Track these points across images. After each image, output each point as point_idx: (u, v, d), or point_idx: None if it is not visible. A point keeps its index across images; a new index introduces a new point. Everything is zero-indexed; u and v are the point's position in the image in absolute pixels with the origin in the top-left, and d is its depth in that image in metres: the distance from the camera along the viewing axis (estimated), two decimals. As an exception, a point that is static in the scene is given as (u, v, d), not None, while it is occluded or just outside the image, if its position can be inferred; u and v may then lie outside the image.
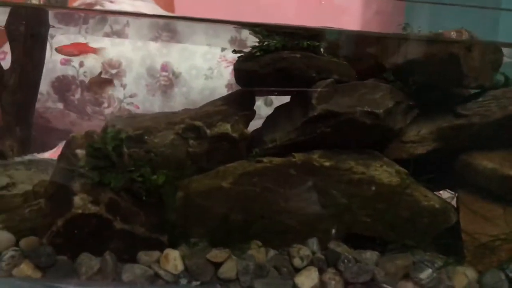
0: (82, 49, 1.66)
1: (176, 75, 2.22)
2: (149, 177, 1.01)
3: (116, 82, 2.20)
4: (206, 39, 1.91)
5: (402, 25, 1.17)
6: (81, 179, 0.96)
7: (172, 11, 2.72)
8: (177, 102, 2.24)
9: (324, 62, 1.08)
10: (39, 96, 2.24)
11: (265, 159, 1.04)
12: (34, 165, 1.23)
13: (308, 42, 1.09)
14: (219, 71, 2.27)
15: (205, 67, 2.26)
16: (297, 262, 0.97)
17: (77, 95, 2.22)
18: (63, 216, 0.90)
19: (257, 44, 1.15)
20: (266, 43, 1.11)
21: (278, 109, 1.16)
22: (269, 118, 1.18)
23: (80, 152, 1.03)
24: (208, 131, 1.10)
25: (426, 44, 1.06)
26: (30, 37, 1.17)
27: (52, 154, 1.68)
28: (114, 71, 2.16)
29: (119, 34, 1.70)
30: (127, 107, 2.21)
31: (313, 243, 1.00)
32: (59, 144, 2.00)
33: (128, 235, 0.93)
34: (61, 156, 1.08)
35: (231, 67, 2.28)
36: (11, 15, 1.22)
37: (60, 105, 2.18)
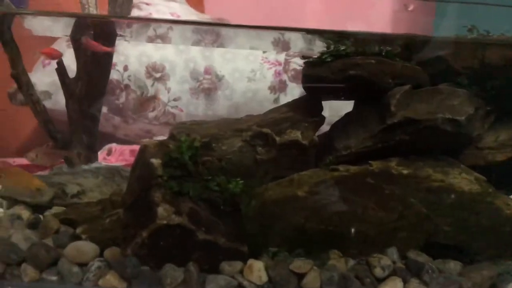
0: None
1: (219, 78, 2.22)
2: (226, 186, 1.01)
3: (160, 85, 2.22)
4: (248, 41, 1.90)
5: (468, 27, 1.15)
6: (160, 189, 0.96)
7: (202, 10, 2.72)
8: (221, 105, 2.24)
9: (398, 68, 1.06)
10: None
11: (341, 167, 1.02)
12: (101, 173, 1.24)
13: (380, 47, 1.07)
14: (262, 73, 2.26)
15: (248, 70, 2.26)
16: (378, 272, 0.95)
17: (122, 99, 2.25)
18: (148, 227, 0.90)
19: (325, 49, 1.14)
20: (335, 48, 1.11)
21: (349, 115, 1.14)
22: (338, 124, 1.17)
23: (155, 161, 1.03)
24: (277, 139, 1.10)
25: (506, 47, 1.03)
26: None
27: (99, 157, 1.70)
28: (158, 75, 2.17)
29: (163, 38, 1.71)
30: (171, 110, 2.23)
31: (393, 252, 0.98)
32: (104, 147, 2.03)
33: (210, 245, 0.93)
34: (135, 164, 1.09)
35: (274, 69, 2.27)
36: (76, 25, 1.23)
37: (104, 109, 2.20)
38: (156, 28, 1.65)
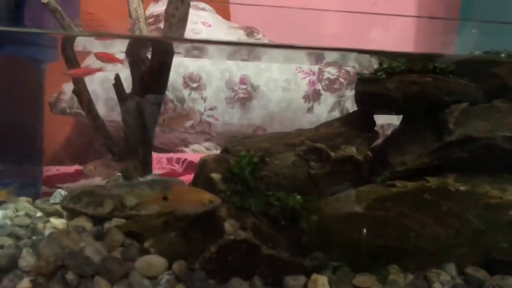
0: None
1: (254, 88, 2.25)
2: (286, 201, 1.04)
3: (196, 95, 2.26)
4: (283, 54, 1.92)
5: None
6: (223, 204, 1.00)
7: (228, 17, 2.76)
8: (255, 114, 2.27)
9: (453, 85, 1.07)
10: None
11: (398, 184, 1.04)
12: (156, 185, 1.28)
13: (436, 64, 1.09)
14: (296, 83, 2.29)
15: (282, 79, 2.29)
16: (437, 287, 0.97)
17: (160, 108, 2.29)
18: (216, 242, 0.94)
19: (377, 66, 1.16)
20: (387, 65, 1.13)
21: (402, 131, 1.16)
22: (390, 140, 1.19)
23: (216, 176, 1.07)
24: (332, 154, 1.12)
25: None
26: (156, 64, 1.21)
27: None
28: (194, 85, 2.21)
29: (200, 49, 1.74)
30: (207, 119, 2.26)
31: (451, 268, 1.00)
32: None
33: (274, 260, 0.96)
34: (196, 179, 1.12)
35: (308, 78, 2.30)
36: (131, 43, 1.27)
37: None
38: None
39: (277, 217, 1.02)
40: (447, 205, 1.02)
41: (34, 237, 1.07)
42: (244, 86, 2.24)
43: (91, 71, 1.36)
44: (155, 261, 0.95)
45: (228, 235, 0.93)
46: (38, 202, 1.31)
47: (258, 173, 1.07)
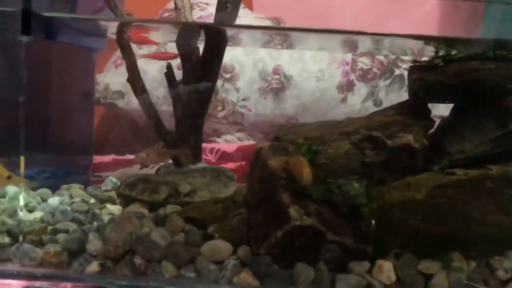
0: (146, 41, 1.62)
1: (288, 78, 2.25)
2: (347, 188, 1.04)
3: (230, 86, 2.26)
4: (317, 42, 1.91)
5: None
6: (285, 191, 1.00)
7: (251, 7, 2.75)
8: (288, 105, 2.27)
9: (514, 72, 1.07)
10: (155, 99, 2.35)
11: (458, 171, 1.04)
12: (207, 173, 1.29)
13: (496, 52, 1.08)
14: (330, 73, 2.28)
15: (316, 69, 2.28)
16: (501, 274, 0.97)
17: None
18: (281, 228, 0.94)
19: (434, 54, 1.15)
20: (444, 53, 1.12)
21: (457, 119, 1.15)
22: (445, 129, 1.18)
23: (274, 163, 1.06)
24: (388, 142, 1.12)
25: None
26: (209, 51, 1.21)
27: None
28: (228, 75, 2.21)
29: (233, 38, 1.74)
30: (240, 110, 2.27)
31: (514, 255, 1.00)
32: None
33: (338, 246, 0.96)
34: (253, 166, 1.13)
35: (342, 68, 2.29)
36: (181, 31, 1.27)
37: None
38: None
39: (339, 205, 1.03)
40: (510, 193, 1.02)
41: (95, 223, 1.09)
42: (277, 76, 2.23)
43: (167, 56, 1.36)
44: (221, 246, 0.96)
45: (294, 221, 0.94)
46: (90, 189, 1.33)
47: (316, 161, 1.08)
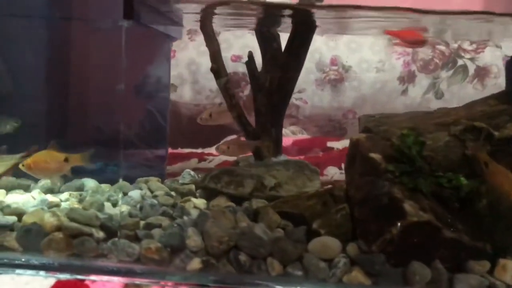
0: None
1: (346, 69, 2.18)
2: (458, 182, 0.97)
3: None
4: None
5: None
6: (394, 185, 0.94)
7: None
8: (347, 96, 2.20)
9: None
10: (208, 92, 2.30)
11: None
12: (291, 166, 1.24)
13: None
14: (391, 63, 2.20)
15: (375, 60, 2.20)
16: None
17: (246, 92, 2.25)
18: (395, 224, 0.88)
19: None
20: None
21: None
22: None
23: (376, 156, 1.01)
24: (496, 133, 1.05)
25: None
26: (296, 38, 1.16)
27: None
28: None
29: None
30: (296, 102, 2.21)
31: None
32: (223, 140, 2.03)
33: (455, 243, 0.90)
34: (350, 159, 1.07)
35: (402, 59, 2.20)
36: (263, 18, 1.21)
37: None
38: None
39: (449, 199, 0.96)
40: None
41: (184, 217, 1.05)
42: (335, 67, 2.17)
43: (414, 38, 1.19)
44: (330, 243, 0.90)
45: (411, 217, 0.88)
46: (167, 182, 1.29)
47: (422, 153, 1.02)
